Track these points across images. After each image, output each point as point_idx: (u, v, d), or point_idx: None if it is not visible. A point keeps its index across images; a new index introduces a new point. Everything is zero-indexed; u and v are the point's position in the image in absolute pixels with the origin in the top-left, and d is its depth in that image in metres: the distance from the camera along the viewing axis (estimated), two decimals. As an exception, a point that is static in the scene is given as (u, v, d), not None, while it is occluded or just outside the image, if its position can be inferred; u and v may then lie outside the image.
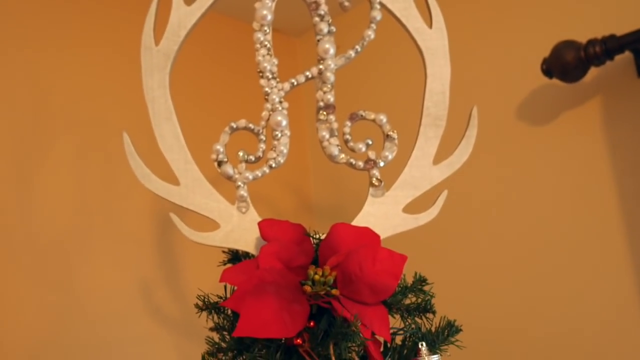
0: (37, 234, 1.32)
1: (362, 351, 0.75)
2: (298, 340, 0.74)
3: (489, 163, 1.51)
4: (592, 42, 1.27)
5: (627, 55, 1.31)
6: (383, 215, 0.88)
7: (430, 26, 0.93)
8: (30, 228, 1.31)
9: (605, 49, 1.26)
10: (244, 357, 0.75)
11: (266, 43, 0.89)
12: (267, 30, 0.90)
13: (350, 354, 0.73)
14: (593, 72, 1.32)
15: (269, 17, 0.89)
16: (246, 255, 0.89)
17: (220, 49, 1.75)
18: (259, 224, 0.81)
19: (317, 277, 0.76)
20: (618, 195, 1.33)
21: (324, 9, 0.90)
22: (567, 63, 1.29)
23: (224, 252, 0.90)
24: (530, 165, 1.46)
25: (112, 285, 1.39)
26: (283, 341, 0.76)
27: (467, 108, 0.91)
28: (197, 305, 0.83)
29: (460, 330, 0.80)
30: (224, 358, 0.79)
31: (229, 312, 0.82)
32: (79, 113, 1.45)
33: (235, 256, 0.91)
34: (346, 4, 0.92)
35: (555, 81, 1.34)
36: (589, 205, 1.37)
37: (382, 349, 0.79)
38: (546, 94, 1.44)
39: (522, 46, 1.47)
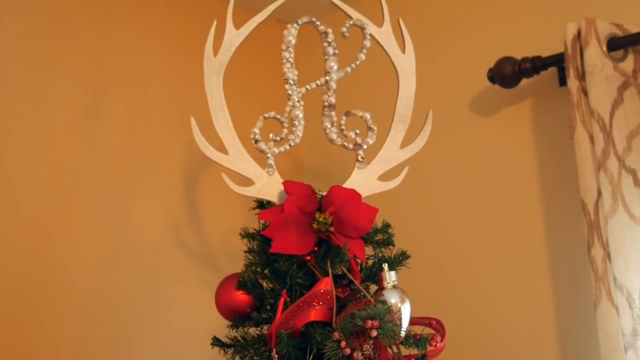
0: (97, 182, 1.71)
1: (347, 267, 1.17)
2: (308, 258, 1.16)
3: (442, 146, 1.91)
4: (524, 60, 1.67)
5: (552, 70, 1.72)
6: (364, 181, 1.27)
7: (404, 52, 1.33)
8: (92, 177, 1.70)
9: (533, 65, 1.67)
10: (272, 267, 1.17)
11: (290, 59, 1.26)
12: (291, 51, 1.27)
13: (340, 268, 1.16)
14: (525, 81, 1.74)
15: (293, 42, 1.27)
16: (268, 203, 1.26)
17: (258, 54, 2.04)
18: (284, 183, 1.20)
19: (320, 219, 1.16)
20: (540, 176, 1.75)
21: (331, 37, 1.28)
22: (505, 74, 1.70)
23: (254, 201, 1.30)
24: (474, 149, 1.87)
25: (152, 223, 1.80)
26: (295, 260, 1.16)
27: (428, 107, 1.32)
28: (240, 234, 1.24)
29: (409, 256, 1.23)
30: (257, 269, 1.20)
31: (259, 240, 1.23)
32: (131, 91, 1.84)
33: (261, 204, 1.29)
34: (346, 34, 1.30)
35: (496, 87, 1.74)
36: (515, 184, 1.79)
37: (359, 267, 1.21)
38: (489, 96, 1.85)
39: (474, 59, 1.86)
